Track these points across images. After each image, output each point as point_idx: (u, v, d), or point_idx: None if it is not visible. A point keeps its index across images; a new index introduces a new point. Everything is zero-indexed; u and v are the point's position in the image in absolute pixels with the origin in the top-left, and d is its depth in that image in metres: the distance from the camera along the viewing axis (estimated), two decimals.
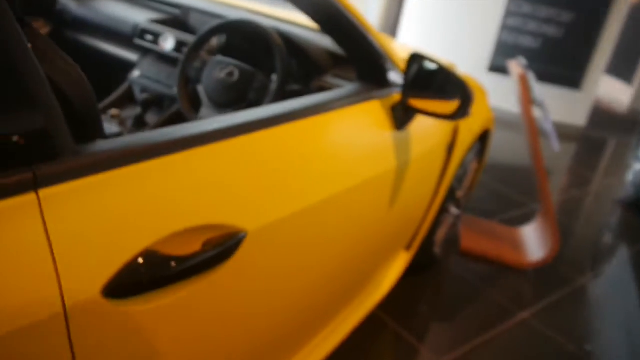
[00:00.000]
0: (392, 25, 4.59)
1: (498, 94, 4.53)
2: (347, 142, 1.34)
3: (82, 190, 0.71)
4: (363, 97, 1.47)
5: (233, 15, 2.03)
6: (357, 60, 1.54)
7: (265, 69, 1.72)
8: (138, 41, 2.05)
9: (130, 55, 2.14)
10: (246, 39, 1.88)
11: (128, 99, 2.04)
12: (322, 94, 1.36)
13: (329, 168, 1.22)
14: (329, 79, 1.75)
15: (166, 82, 1.96)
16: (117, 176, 0.76)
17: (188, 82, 1.74)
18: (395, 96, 1.57)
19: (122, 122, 1.85)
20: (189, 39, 1.94)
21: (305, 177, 1.14)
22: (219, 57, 1.72)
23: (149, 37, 2.02)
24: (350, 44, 1.45)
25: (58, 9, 2.26)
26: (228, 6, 2.21)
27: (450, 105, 1.49)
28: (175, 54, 1.96)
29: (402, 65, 1.59)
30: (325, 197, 1.18)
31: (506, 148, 4.83)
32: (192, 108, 1.72)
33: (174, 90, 1.83)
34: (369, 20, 1.46)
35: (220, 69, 1.67)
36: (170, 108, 1.92)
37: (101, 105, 1.98)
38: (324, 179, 1.19)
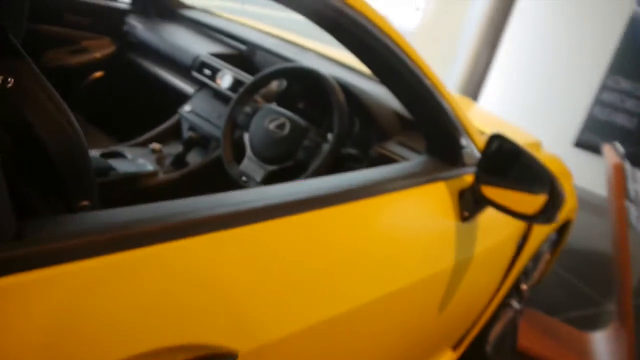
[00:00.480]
0: (475, 85, 4.33)
1: (581, 172, 4.12)
2: (400, 233, 1.09)
3: (14, 292, 0.51)
4: (428, 177, 1.23)
5: (301, 58, 1.86)
6: (427, 128, 1.31)
7: (321, 125, 1.53)
8: (195, 74, 1.92)
9: (187, 88, 2.02)
10: (306, 89, 1.70)
11: (175, 133, 1.90)
12: (380, 170, 1.14)
13: (372, 265, 0.97)
14: (393, 147, 1.52)
15: (216, 122, 1.81)
16: (68, 273, 0.56)
17: (235, 128, 1.57)
18: (467, 178, 1.32)
19: (160, 160, 1.70)
20: (248, 79, 1.79)
21: (340, 277, 0.90)
22: (272, 106, 1.54)
23: (207, 71, 1.89)
24: (419, 107, 1.22)
25: (125, 30, 2.19)
26: (300, 48, 2.06)
27: (533, 202, 1.22)
28: (231, 94, 1.80)
29: (480, 139, 1.34)
30: (362, 302, 0.93)
31: (584, 233, 4.37)
32: (234, 157, 1.54)
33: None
34: (447, 81, 1.22)
35: (270, 119, 1.49)
36: (214, 152, 1.75)
37: (146, 136, 1.84)
38: (363, 280, 0.95)
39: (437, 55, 5.44)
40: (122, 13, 2.23)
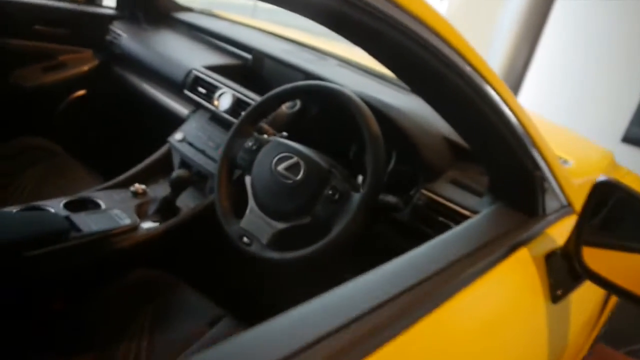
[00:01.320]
0: (513, 82, 3.87)
1: (631, 169, 3.64)
2: (473, 337, 0.70)
3: None
4: (505, 242, 0.83)
5: (320, 68, 1.46)
6: (493, 164, 0.91)
7: (348, 165, 1.13)
8: (188, 93, 1.54)
9: (182, 109, 1.64)
10: (327, 114, 1.30)
11: (165, 168, 1.52)
12: (441, 242, 0.75)
13: None
14: (443, 188, 1.12)
15: (213, 154, 1.43)
16: None
17: (233, 168, 1.18)
18: (550, 232, 0.93)
19: (143, 207, 1.33)
20: (252, 99, 1.40)
21: None
22: (282, 139, 1.15)
23: (202, 89, 1.51)
24: (481, 134, 0.83)
25: (109, 40, 1.82)
26: (319, 54, 1.66)
27: None
28: (231, 118, 1.42)
29: (564, 173, 0.95)
30: None
31: None
32: (232, 210, 1.15)
33: None
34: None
35: (279, 158, 1.10)
36: (210, 195, 1.37)
37: (130, 172, 1.47)
38: None
39: None
40: (106, 20, 1.87)
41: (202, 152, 1.44)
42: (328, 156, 1.12)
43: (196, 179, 1.44)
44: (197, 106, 1.58)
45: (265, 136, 1.20)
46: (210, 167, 1.40)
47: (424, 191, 1.11)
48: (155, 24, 1.89)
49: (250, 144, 1.16)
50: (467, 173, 1.17)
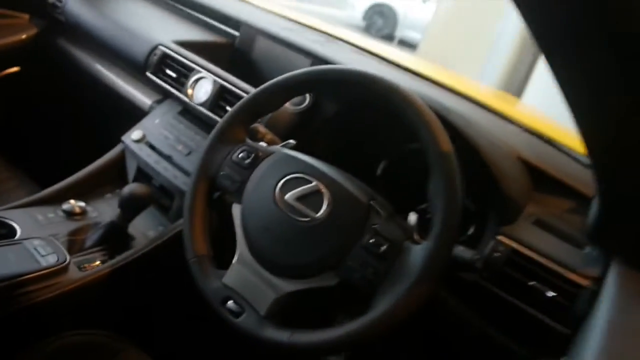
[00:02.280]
0: (518, 81, 3.56)
1: None
2: None
3: None
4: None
5: (337, 56, 1.08)
6: (620, 193, 0.57)
7: (396, 200, 0.75)
8: (151, 76, 1.14)
9: (143, 98, 1.23)
10: (349, 115, 0.93)
11: (116, 177, 1.12)
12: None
13: None
14: (529, 234, 0.76)
15: (184, 162, 1.03)
16: None
17: (213, 189, 0.79)
18: None
19: (79, 233, 0.93)
20: (242, 90, 1.01)
21: None
22: (289, 151, 0.77)
23: (170, 71, 1.11)
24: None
25: (50, 2, 1.39)
26: (331, 37, 1.29)
27: None
28: (210, 115, 1.02)
29: None
30: None
31: None
32: (209, 254, 0.75)
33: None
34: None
35: (287, 181, 0.72)
36: (177, 221, 0.97)
37: (67, 181, 1.06)
38: None
39: (460, 51, 4.68)
40: None
41: (168, 158, 1.04)
42: (362, 181, 0.74)
43: (158, 196, 1.04)
44: (164, 95, 1.18)
45: (264, 144, 0.81)
46: (179, 181, 1.01)
47: (501, 238, 0.75)
48: None
49: (240, 155, 0.77)
50: (549, 209, 0.81)
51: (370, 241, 0.66)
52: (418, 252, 0.64)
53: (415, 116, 0.66)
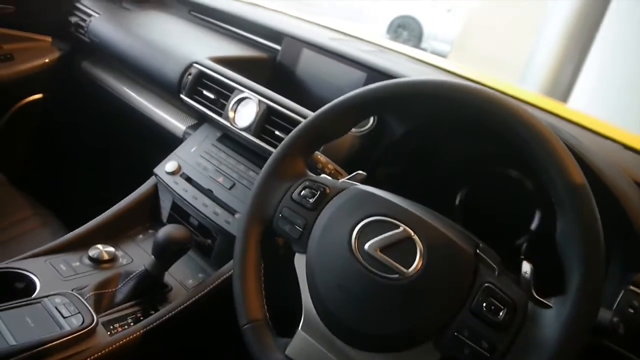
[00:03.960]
0: (563, 85, 3.36)
1: None
2: None
3: None
4: None
5: (397, 69, 0.93)
6: None
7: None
8: (185, 98, 1.00)
9: (176, 124, 1.10)
10: (420, 138, 0.79)
11: (146, 217, 0.98)
12: None
13: None
14: None
15: (228, 197, 0.89)
16: None
17: (269, 235, 0.64)
18: None
19: (107, 286, 0.79)
20: (296, 110, 0.87)
21: None
22: (365, 187, 0.61)
23: (208, 93, 0.97)
24: None
25: (73, 23, 1.29)
26: (381, 47, 1.15)
27: None
28: (256, 141, 0.88)
29: None
30: None
31: None
32: (266, 315, 0.60)
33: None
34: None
35: (366, 225, 0.56)
36: (219, 263, 0.83)
37: (89, 225, 0.92)
38: None
39: (494, 59, 4.50)
40: None
41: (208, 193, 0.90)
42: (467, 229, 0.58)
43: (196, 237, 0.90)
44: (201, 119, 1.05)
45: (328, 178, 0.66)
46: (221, 219, 0.86)
47: (634, 288, 0.58)
48: (141, 1, 1.36)
49: (302, 192, 0.62)
50: None
51: (483, 304, 0.50)
52: (551, 320, 0.48)
53: (538, 142, 0.51)
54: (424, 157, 0.82)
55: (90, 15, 1.26)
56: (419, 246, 0.53)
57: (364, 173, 0.67)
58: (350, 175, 0.67)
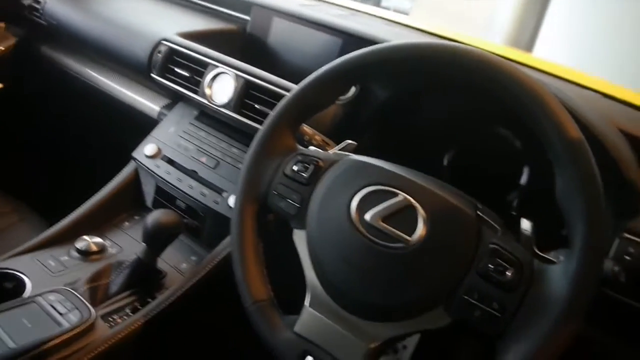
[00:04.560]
0: (527, 34, 3.37)
1: None
2: None
3: None
4: None
5: (373, 32, 0.91)
6: None
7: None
8: (156, 77, 0.97)
9: (150, 105, 1.07)
10: (404, 100, 0.78)
11: (131, 203, 0.96)
12: None
13: None
14: None
15: (213, 176, 0.87)
16: None
17: (264, 212, 0.63)
18: None
19: (99, 282, 0.77)
20: (276, 82, 0.85)
21: None
22: (359, 157, 0.61)
23: (180, 70, 0.94)
24: None
25: (26, 5, 1.22)
26: (353, 11, 1.13)
27: None
28: (237, 117, 0.86)
29: None
30: None
31: None
32: (270, 293, 0.60)
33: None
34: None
35: (365, 196, 0.56)
36: (210, 244, 0.82)
37: (74, 215, 0.89)
38: None
39: (457, 13, 4.47)
40: None
41: (192, 174, 0.88)
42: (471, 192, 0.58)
43: (188, 222, 0.88)
44: (175, 98, 1.01)
45: (317, 150, 0.65)
46: (209, 199, 0.85)
47: (629, 235, 0.60)
48: None
49: (295, 167, 0.61)
50: None
51: (490, 266, 0.51)
52: (559, 276, 0.48)
53: (533, 100, 0.51)
54: (409, 121, 0.82)
55: None
56: (420, 213, 0.54)
57: (354, 142, 0.66)
58: (341, 146, 0.66)
